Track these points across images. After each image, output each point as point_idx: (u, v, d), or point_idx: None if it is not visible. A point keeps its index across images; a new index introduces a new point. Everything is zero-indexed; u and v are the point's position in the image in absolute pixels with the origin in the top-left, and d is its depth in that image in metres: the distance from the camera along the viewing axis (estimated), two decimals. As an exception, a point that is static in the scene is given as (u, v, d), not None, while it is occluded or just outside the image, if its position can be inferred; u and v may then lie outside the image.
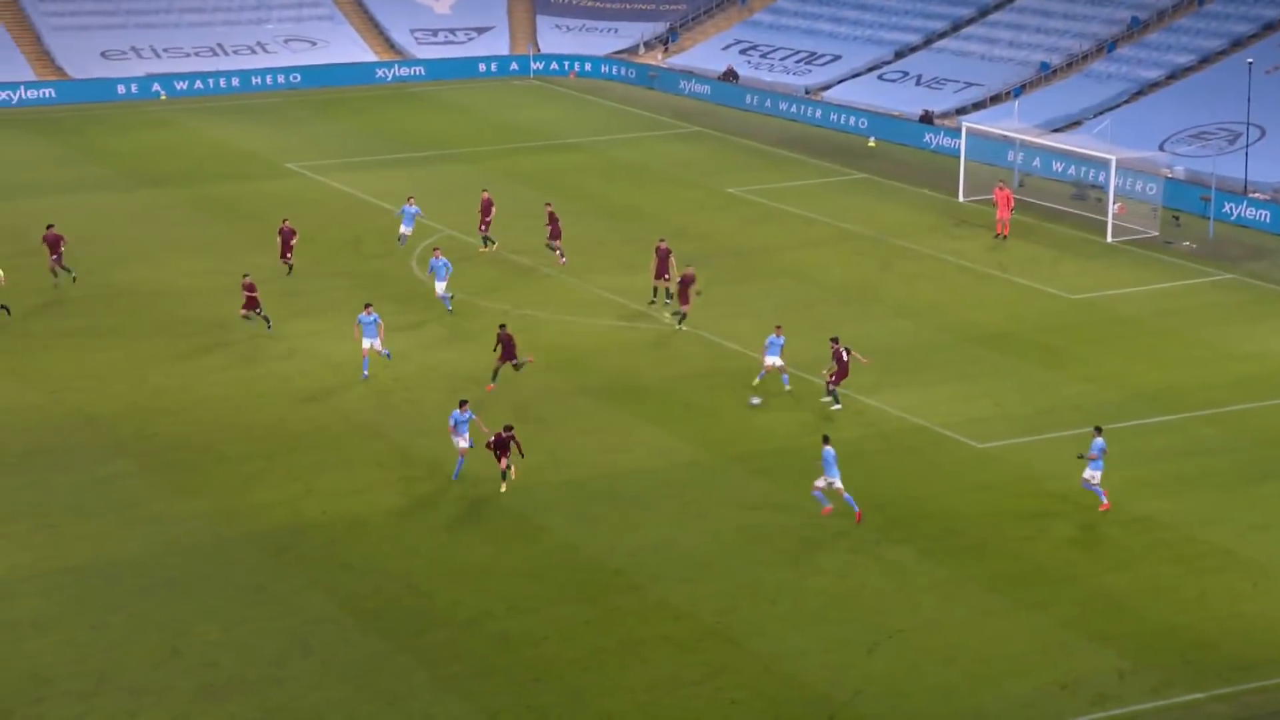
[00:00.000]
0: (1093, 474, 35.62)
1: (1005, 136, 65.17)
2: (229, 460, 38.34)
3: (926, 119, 72.98)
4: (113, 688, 28.85)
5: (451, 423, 37.11)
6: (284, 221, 52.16)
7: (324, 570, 33.21)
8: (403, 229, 53.77)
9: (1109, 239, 57.44)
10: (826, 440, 35.30)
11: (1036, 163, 65.38)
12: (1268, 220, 59.10)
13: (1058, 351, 45.73)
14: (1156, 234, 57.84)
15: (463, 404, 37.40)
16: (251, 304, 46.20)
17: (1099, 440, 35.75)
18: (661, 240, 49.87)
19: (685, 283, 46.84)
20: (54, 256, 50.42)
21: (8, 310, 47.76)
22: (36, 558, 33.52)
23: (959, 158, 63.96)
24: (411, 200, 54.11)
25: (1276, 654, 30.11)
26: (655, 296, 49.09)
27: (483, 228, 54.76)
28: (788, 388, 42.24)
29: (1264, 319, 49.22)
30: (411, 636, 30.66)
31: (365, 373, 43.10)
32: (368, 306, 43.47)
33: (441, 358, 45.14)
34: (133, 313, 48.61)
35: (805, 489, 36.81)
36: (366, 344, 42.95)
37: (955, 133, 67.28)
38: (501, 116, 77.75)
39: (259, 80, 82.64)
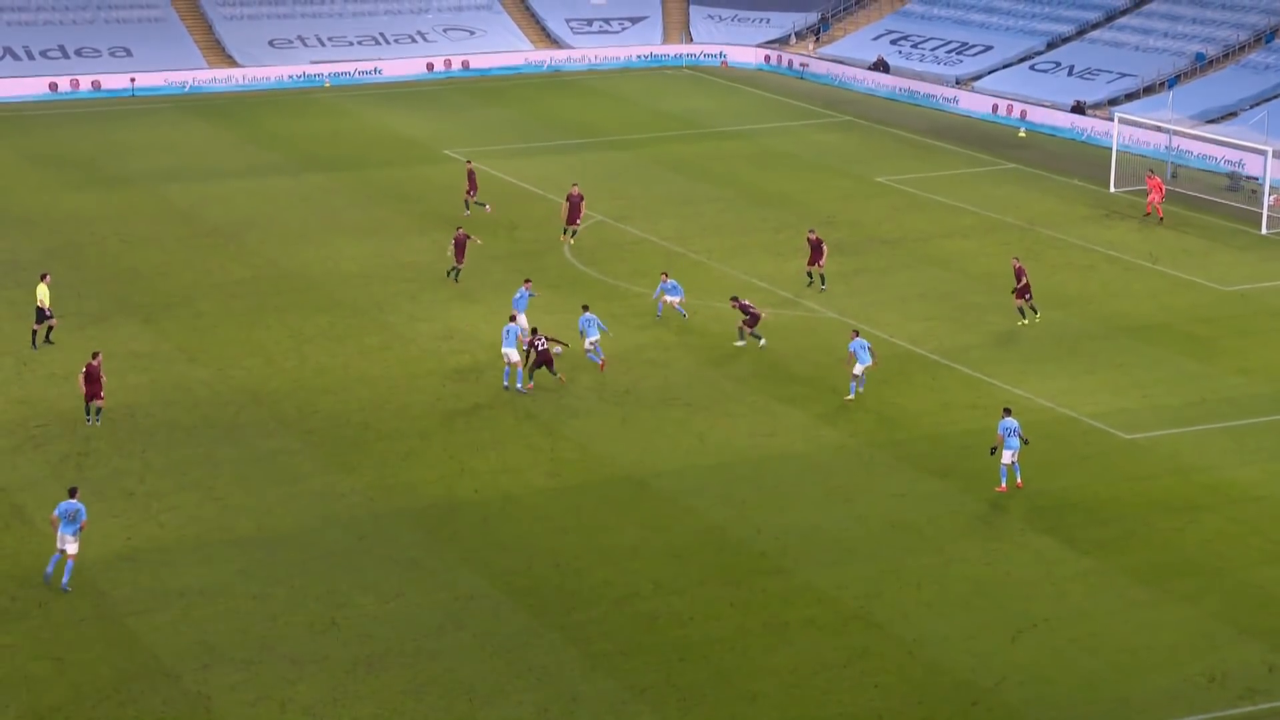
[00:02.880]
0: (1008, 455, 35.14)
1: (1158, 127, 63.88)
2: (386, 438, 38.84)
3: (1078, 110, 71.74)
4: (274, 656, 29.39)
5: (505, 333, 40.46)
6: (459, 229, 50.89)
7: (476, 547, 33.52)
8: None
9: (1263, 231, 56.06)
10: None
11: (1187, 152, 64.01)
12: None
13: (1208, 343, 44.75)
14: (1313, 226, 56.39)
15: (513, 317, 41.10)
16: (460, 254, 48.49)
17: (1009, 420, 35.30)
18: (812, 230, 50.13)
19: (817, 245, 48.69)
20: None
21: None
22: (203, 529, 34.24)
23: (1111, 148, 62.78)
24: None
25: None
26: (811, 280, 49.38)
27: (576, 222, 53.40)
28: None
29: None
30: (561, 614, 30.84)
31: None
32: (529, 282, 43.60)
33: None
34: (298, 293, 49.42)
35: (951, 476, 36.44)
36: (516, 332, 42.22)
37: (1107, 124, 66.04)
38: (655, 104, 77.81)
39: (419, 67, 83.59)
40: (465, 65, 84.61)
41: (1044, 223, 57.02)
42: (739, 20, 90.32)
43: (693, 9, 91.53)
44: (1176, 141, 63.93)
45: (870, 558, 32.95)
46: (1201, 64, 73.67)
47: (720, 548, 33.45)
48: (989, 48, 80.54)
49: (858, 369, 39.86)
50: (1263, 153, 57.81)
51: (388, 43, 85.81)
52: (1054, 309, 47.68)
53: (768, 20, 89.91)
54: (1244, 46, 74.16)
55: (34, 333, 44.34)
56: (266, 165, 65.63)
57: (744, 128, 72.82)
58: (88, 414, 39.07)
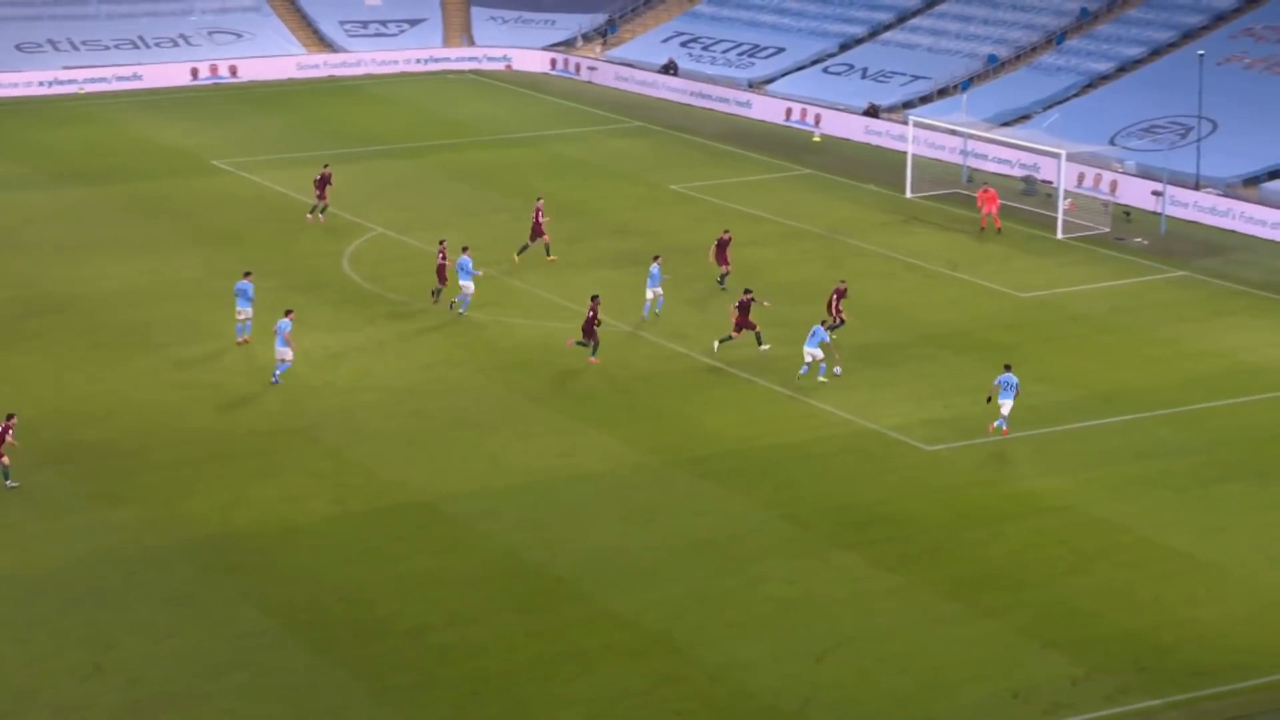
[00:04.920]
0: (1006, 406, 39.57)
1: (953, 131, 65.52)
2: (157, 468, 38.01)
3: (872, 113, 73.26)
4: (33, 706, 28.53)
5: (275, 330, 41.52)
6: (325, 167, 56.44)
7: (256, 581, 32.97)
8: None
9: (1059, 235, 57.83)
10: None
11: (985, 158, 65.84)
12: (1220, 216, 59.62)
13: (1010, 351, 45.93)
14: (1108, 230, 58.27)
15: (288, 312, 42.09)
16: (441, 273, 48.34)
17: (1008, 375, 39.79)
18: (725, 231, 51.58)
19: (722, 245, 50.51)
20: None
21: None
22: (-44, 571, 33.12)
23: (906, 153, 64.23)
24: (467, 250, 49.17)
25: (1232, 660, 30.33)
26: (720, 281, 50.65)
27: (544, 236, 53.09)
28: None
29: (1218, 316, 49.66)
30: (348, 648, 30.47)
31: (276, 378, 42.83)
32: (289, 313, 43.22)
33: (376, 360, 44.89)
34: (55, 315, 48.13)
35: (755, 493, 36.87)
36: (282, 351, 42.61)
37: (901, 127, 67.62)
38: (438, 110, 77.50)
39: (183, 74, 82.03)
40: (233, 71, 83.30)
41: (843, 230, 58.07)
42: (523, 22, 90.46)
43: (474, 11, 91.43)
44: (971, 145, 65.65)
45: (672, 580, 33.15)
46: (994, 66, 75.79)
47: (516, 574, 33.37)
48: (781, 50, 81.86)
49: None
50: (1057, 156, 59.64)
51: (148, 46, 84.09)
52: (854, 318, 48.52)
53: (553, 22, 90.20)
54: (1036, 48, 76.51)
55: None
56: (16, 178, 63.89)
57: (532, 134, 72.95)
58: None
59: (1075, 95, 71.37)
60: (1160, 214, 59.52)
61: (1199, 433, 40.54)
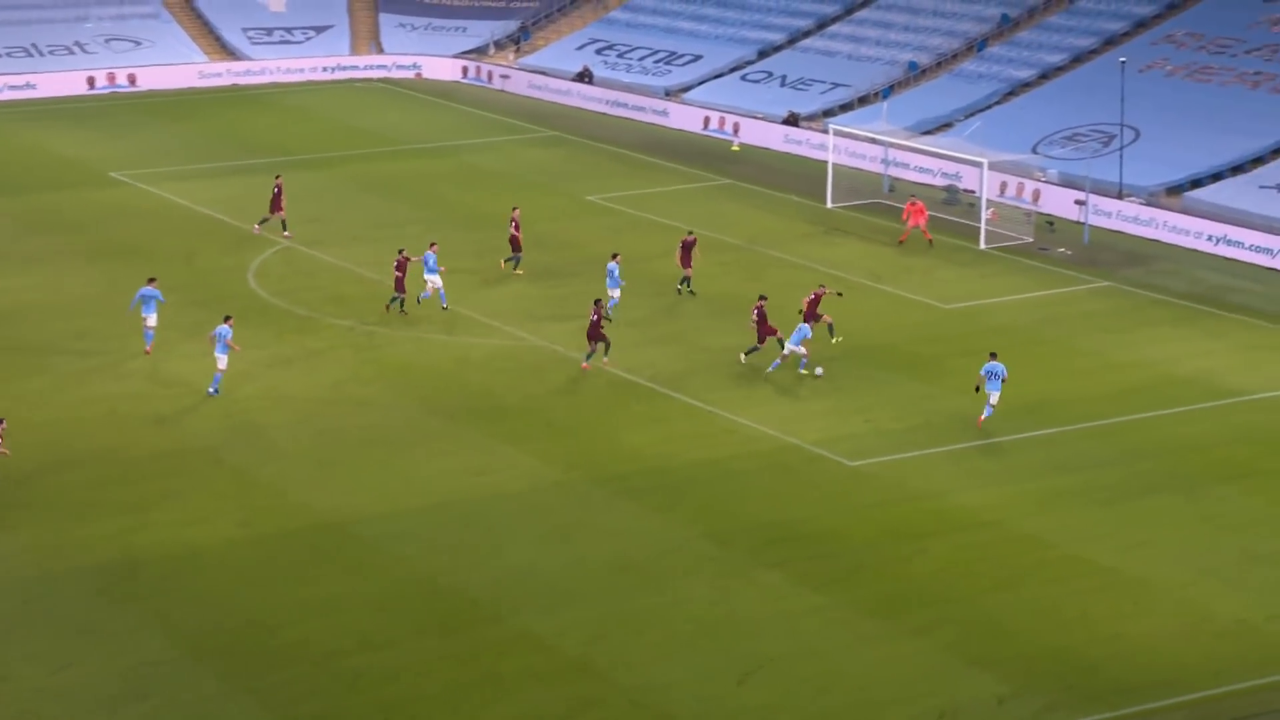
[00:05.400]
0: (994, 395, 41.27)
1: (874, 139, 66.02)
2: (54, 491, 37.58)
3: (792, 121, 73.70)
4: (-72, 740, 28.16)
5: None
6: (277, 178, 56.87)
7: (160, 607, 32.67)
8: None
9: (982, 245, 58.38)
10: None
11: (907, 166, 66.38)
12: (1144, 225, 60.38)
13: (932, 364, 46.33)
14: (1031, 240, 58.90)
15: (227, 319, 42.34)
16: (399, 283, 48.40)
17: (994, 364, 41.24)
18: (690, 233, 52.32)
19: (686, 246, 51.38)
20: None
21: None
22: None
23: (826, 162, 64.62)
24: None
25: (1159, 676, 30.67)
26: (681, 286, 51.52)
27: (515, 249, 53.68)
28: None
29: (1142, 327, 50.29)
30: (255, 676, 30.24)
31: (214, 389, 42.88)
32: (228, 319, 43.35)
33: (284, 377, 44.63)
34: (-54, 333, 47.53)
35: (675, 511, 36.94)
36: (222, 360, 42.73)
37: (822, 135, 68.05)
38: (346, 120, 77.21)
39: (79, 82, 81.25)
40: (132, 80, 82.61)
41: (764, 241, 58.34)
42: (433, 29, 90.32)
43: (383, 17, 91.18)
44: (892, 154, 66.17)
45: (591, 601, 33.16)
46: (915, 73, 76.46)
47: (430, 596, 33.26)
48: (699, 57, 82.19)
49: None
50: (979, 165, 60.22)
51: (42, 54, 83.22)
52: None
53: (464, 29, 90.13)
54: (957, 55, 77.28)
55: None
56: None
57: (444, 144, 72.84)
58: None
59: (997, 103, 72.13)
60: (1083, 224, 60.22)
61: (1124, 445, 41.01)
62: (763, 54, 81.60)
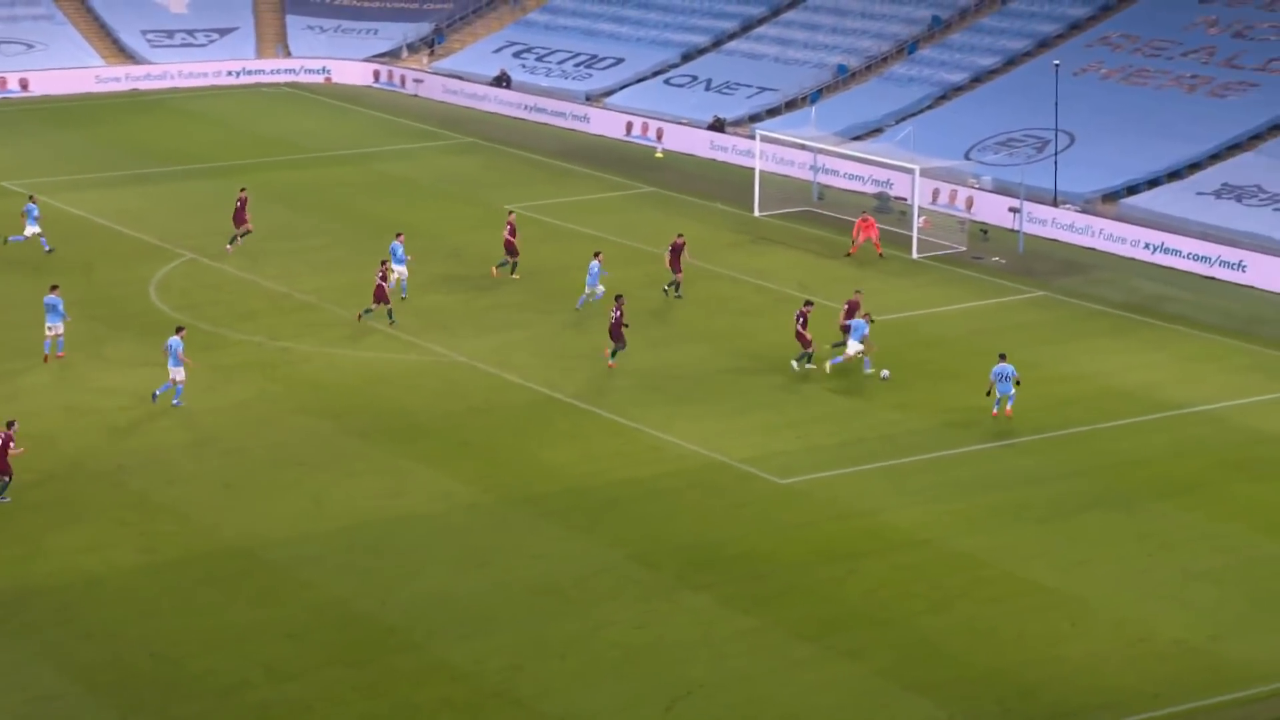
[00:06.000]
0: (1001, 393, 42.88)
1: (802, 145, 66.24)
2: (-56, 517, 37.10)
3: (717, 127, 73.86)
4: None
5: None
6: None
7: (55, 639, 32.28)
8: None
9: (914, 255, 58.67)
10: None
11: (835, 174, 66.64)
12: (1079, 234, 60.86)
13: (866, 377, 46.45)
14: (964, 249, 59.26)
15: (179, 330, 42.97)
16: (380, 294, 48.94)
17: (1004, 366, 42.87)
18: (679, 235, 53.38)
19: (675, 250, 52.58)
20: None
21: None
22: None
23: (753, 169, 64.78)
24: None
25: (1097, 699, 30.87)
26: (668, 288, 52.70)
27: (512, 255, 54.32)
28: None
29: (1078, 338, 50.67)
30: (157, 710, 29.94)
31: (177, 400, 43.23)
32: (179, 330, 43.46)
33: (188, 396, 44.20)
34: None
35: (597, 532, 36.86)
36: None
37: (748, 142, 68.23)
38: (251, 126, 76.74)
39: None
40: (24, 84, 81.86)
41: (689, 250, 58.27)
42: (343, 32, 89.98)
43: (290, 19, 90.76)
44: (821, 160, 66.41)
45: (510, 627, 33.04)
46: (844, 76, 76.82)
47: (342, 624, 33.04)
48: (620, 60, 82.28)
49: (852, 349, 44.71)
50: (910, 171, 60.51)
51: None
52: (700, 343, 48.83)
53: (375, 31, 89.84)
54: (887, 58, 77.71)
55: None
56: None
57: (355, 151, 72.55)
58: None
59: (929, 107, 72.57)
60: (1018, 232, 60.64)
61: (1060, 460, 41.29)
62: (686, 57, 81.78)
